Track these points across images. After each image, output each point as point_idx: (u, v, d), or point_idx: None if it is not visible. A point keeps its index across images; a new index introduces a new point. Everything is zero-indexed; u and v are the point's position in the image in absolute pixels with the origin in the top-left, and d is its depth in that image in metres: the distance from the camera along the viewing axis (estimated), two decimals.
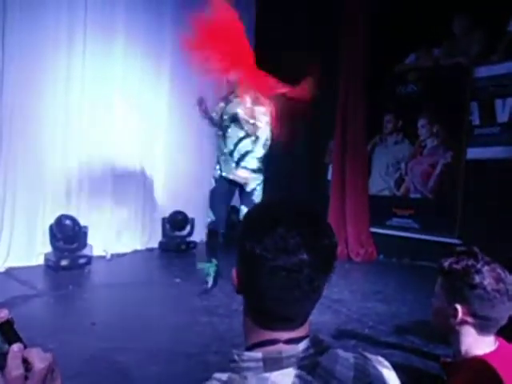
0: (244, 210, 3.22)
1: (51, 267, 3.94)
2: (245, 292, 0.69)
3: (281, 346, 0.64)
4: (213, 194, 3.31)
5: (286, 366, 0.62)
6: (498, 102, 4.47)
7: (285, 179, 5.74)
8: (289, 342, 0.65)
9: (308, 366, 0.62)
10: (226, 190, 3.27)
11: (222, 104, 3.34)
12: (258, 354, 0.63)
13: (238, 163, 3.22)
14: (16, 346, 0.48)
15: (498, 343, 1.06)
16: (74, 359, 2.13)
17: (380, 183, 5.45)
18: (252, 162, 3.23)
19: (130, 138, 4.88)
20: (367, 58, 5.01)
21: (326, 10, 5.19)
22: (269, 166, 5.92)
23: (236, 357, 0.65)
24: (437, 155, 4.94)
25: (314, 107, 5.44)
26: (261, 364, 0.62)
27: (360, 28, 5.03)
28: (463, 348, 1.07)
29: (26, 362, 0.48)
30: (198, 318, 2.85)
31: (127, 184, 4.89)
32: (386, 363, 0.71)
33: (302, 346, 0.64)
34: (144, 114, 5.02)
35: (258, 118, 3.16)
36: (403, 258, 4.95)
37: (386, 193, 5.41)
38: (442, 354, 2.10)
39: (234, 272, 0.71)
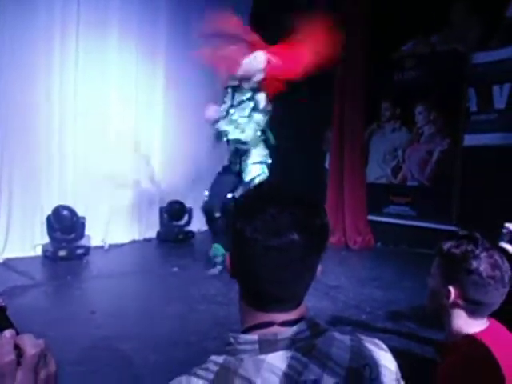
0: None
1: (49, 258, 3.95)
2: (238, 275, 0.69)
3: (276, 329, 0.64)
4: (216, 176, 3.42)
5: (282, 348, 0.62)
6: (496, 89, 4.45)
7: (282, 167, 5.73)
8: (284, 324, 0.65)
9: (303, 347, 0.63)
10: (230, 178, 3.32)
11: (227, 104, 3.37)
12: (253, 336, 0.64)
13: (243, 157, 3.28)
14: (8, 332, 0.48)
15: (488, 323, 1.08)
16: (74, 347, 2.14)
17: (377, 171, 5.45)
18: (257, 154, 3.26)
19: (126, 129, 4.85)
20: (365, 44, 4.96)
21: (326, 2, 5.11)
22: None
23: (232, 340, 0.64)
24: (434, 142, 4.94)
25: (310, 94, 5.45)
26: (256, 346, 0.62)
27: (357, 16, 4.97)
28: (454, 329, 1.10)
29: (17, 349, 0.48)
30: (196, 306, 2.87)
31: (125, 174, 4.87)
32: (383, 345, 0.71)
33: (298, 328, 0.64)
34: (140, 106, 4.98)
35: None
36: (400, 245, 4.98)
37: (383, 180, 5.41)
38: (438, 339, 2.13)
39: (227, 256, 0.71)
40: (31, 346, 0.47)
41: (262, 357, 0.61)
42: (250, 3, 5.75)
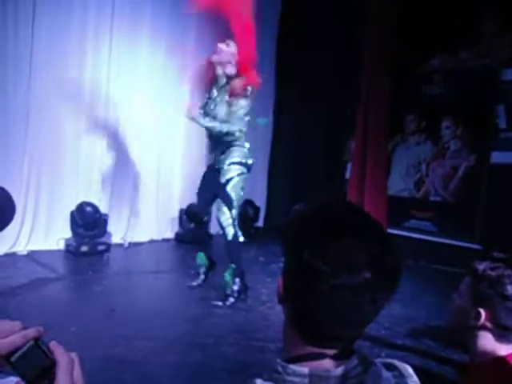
0: (219, 202, 3.00)
1: (71, 252, 4.04)
2: (293, 306, 0.64)
3: (328, 362, 0.61)
4: (201, 181, 3.29)
5: None
6: None
7: (301, 175, 5.73)
8: (336, 357, 0.61)
9: None
10: (212, 179, 3.12)
11: (205, 98, 3.23)
12: (304, 369, 0.60)
13: (221, 156, 3.09)
14: None
15: None
16: (93, 344, 2.18)
17: (399, 184, 5.38)
18: (236, 154, 3.07)
19: (151, 130, 4.93)
20: (392, 56, 4.93)
21: (352, 10, 5.13)
22: (283, 163, 5.95)
23: (280, 368, 0.61)
24: (460, 158, 4.85)
25: (332, 103, 5.44)
26: (306, 381, 0.59)
27: (385, 27, 4.95)
28: (480, 351, 1.07)
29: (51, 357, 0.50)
30: (214, 309, 2.88)
31: (147, 174, 4.95)
32: (415, 378, 0.67)
33: (351, 364, 0.61)
34: (166, 106, 5.05)
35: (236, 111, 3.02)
36: (420, 260, 4.88)
37: (405, 194, 5.34)
38: (458, 360, 2.08)
39: (280, 280, 0.66)
40: (62, 354, 0.49)
41: None
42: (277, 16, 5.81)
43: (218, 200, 3.03)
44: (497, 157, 4.51)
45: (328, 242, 0.58)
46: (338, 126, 5.68)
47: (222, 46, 3.04)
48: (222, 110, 3.03)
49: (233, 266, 3.04)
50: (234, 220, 2.99)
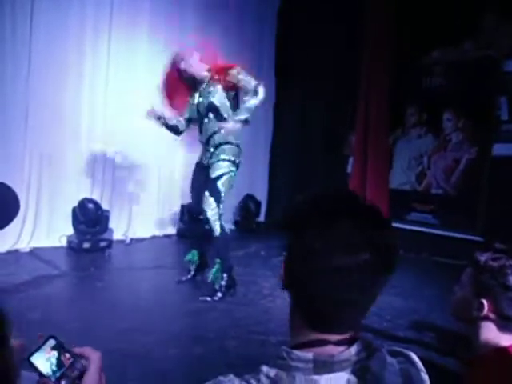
0: (207, 195, 2.96)
1: (73, 249, 4.05)
2: (294, 290, 0.65)
3: (331, 348, 0.62)
4: (192, 178, 3.29)
5: (337, 370, 0.60)
6: None
7: (302, 169, 5.72)
8: (339, 343, 0.62)
9: (358, 370, 0.60)
10: (203, 176, 3.12)
11: (189, 99, 3.29)
12: (308, 354, 0.61)
13: (213, 152, 3.09)
14: None
15: None
16: (97, 339, 2.19)
17: (401, 177, 5.37)
18: (228, 151, 3.07)
19: (151, 126, 4.89)
20: (392, 48, 4.90)
21: (352, 2, 5.09)
22: (284, 157, 5.93)
23: (285, 354, 0.62)
24: (462, 150, 4.83)
25: (332, 97, 5.42)
26: (310, 366, 0.60)
27: (386, 18, 4.92)
28: (482, 341, 1.07)
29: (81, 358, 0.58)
30: (215, 304, 2.89)
31: (148, 170, 4.96)
32: (420, 365, 0.67)
33: (354, 349, 0.62)
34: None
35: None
36: (421, 253, 4.88)
37: (407, 187, 5.32)
38: (460, 351, 2.08)
39: (282, 266, 0.67)
40: (92, 351, 0.56)
41: (316, 377, 0.59)
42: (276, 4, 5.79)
43: (206, 193, 2.98)
44: (498, 149, 4.49)
45: (327, 225, 0.61)
46: (339, 122, 5.66)
47: (191, 59, 3.17)
48: (222, 107, 3.06)
49: (218, 260, 3.02)
50: (221, 215, 2.98)
